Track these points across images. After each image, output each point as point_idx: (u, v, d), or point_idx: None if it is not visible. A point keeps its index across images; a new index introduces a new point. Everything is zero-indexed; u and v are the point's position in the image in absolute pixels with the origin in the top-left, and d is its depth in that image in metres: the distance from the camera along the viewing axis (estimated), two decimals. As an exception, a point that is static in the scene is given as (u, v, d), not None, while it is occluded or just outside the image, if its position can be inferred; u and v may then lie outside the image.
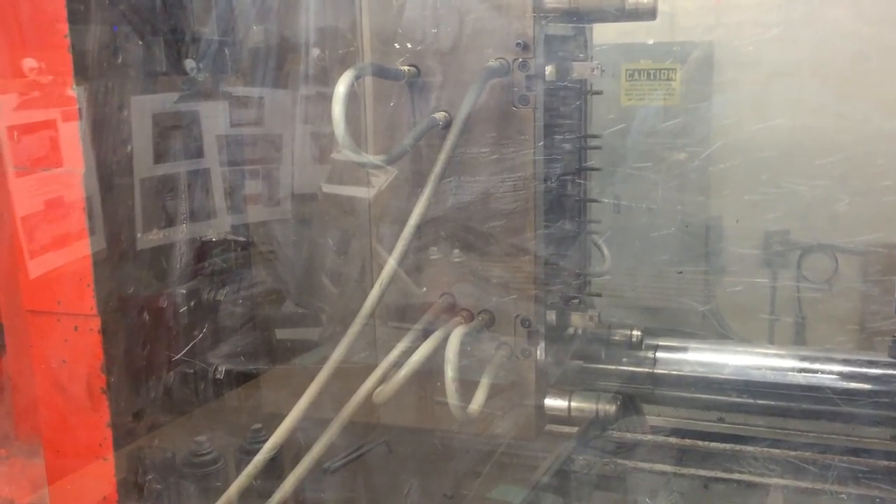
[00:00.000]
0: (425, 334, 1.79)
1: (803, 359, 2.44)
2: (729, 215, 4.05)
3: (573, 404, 1.92)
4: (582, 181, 2.14)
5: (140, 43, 1.88)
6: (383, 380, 1.72)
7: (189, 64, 2.04)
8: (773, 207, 3.79)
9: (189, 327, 1.89)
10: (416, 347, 1.75)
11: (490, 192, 1.79)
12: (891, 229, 3.18)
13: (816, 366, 2.39)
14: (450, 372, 1.67)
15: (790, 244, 4.17)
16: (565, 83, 1.96)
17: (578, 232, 2.15)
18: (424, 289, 1.85)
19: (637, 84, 4.02)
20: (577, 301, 2.15)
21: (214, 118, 2.14)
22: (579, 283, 2.15)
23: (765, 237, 4.19)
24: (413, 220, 1.63)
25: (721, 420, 2.66)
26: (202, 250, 2.00)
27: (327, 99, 1.59)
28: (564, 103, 2.01)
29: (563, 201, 2.02)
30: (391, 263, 1.67)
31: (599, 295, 2.21)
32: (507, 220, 1.80)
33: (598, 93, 2.18)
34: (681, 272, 3.63)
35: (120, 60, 1.76)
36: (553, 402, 1.93)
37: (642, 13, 1.93)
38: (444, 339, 1.74)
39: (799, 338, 4.16)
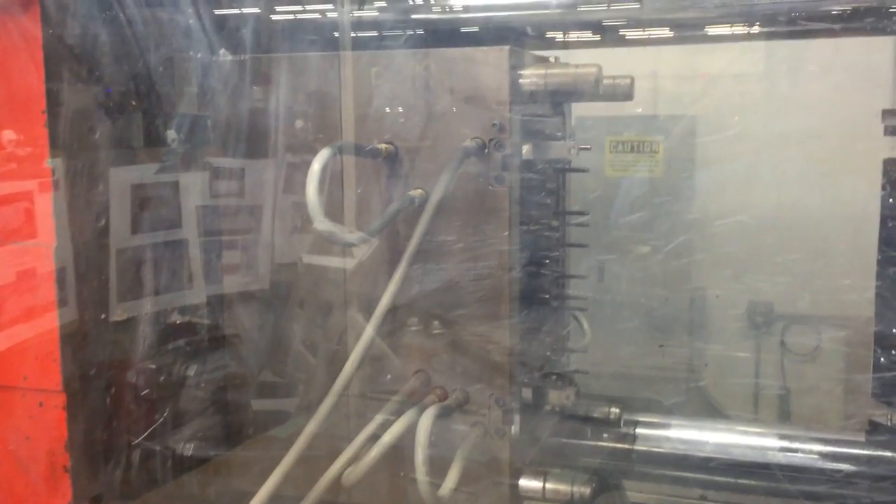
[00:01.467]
0: (399, 412, 1.77)
1: (783, 437, 2.41)
2: (711, 287, 4.06)
3: (548, 486, 1.88)
4: (561, 257, 2.14)
5: (121, 115, 1.90)
6: (354, 459, 1.69)
7: (170, 135, 2.05)
8: (755, 280, 3.80)
9: (157, 405, 1.86)
10: (388, 425, 1.73)
11: (466, 271, 1.79)
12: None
13: (796, 445, 2.37)
14: (420, 454, 1.64)
15: (773, 316, 4.18)
16: (543, 162, 1.97)
17: (557, 308, 2.14)
18: (389, 376, 1.83)
19: (621, 156, 4.07)
20: (554, 378, 2.13)
21: (194, 189, 2.14)
22: (556, 360, 2.13)
23: (748, 309, 4.20)
24: (385, 301, 1.62)
25: (704, 498, 2.61)
26: (175, 325, 1.98)
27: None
28: (542, 181, 2.03)
29: (542, 278, 2.02)
30: (363, 342, 1.66)
31: (579, 371, 2.19)
32: (482, 300, 1.79)
33: (582, 170, 2.17)
34: (661, 346, 3.62)
35: (98, 134, 1.77)
36: (528, 483, 1.89)
37: (619, 94, 1.97)
38: (417, 418, 1.71)
39: (783, 411, 4.15)
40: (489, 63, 1.75)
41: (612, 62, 1.92)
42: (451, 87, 1.77)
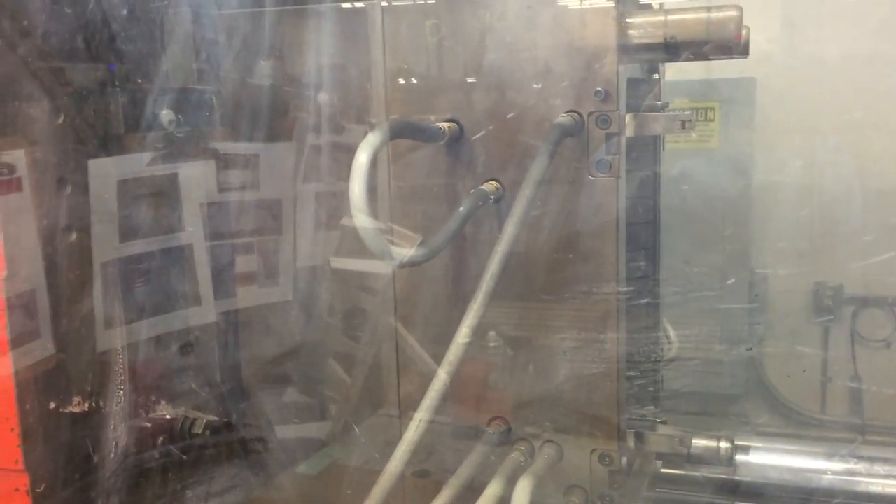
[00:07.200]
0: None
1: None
2: (774, 267, 3.69)
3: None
4: (656, 258, 1.70)
5: (99, 92, 1.47)
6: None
7: (166, 116, 1.64)
8: (821, 259, 3.43)
9: (156, 471, 1.43)
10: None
11: (554, 293, 1.35)
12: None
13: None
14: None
15: (843, 299, 3.80)
16: (646, 139, 1.53)
17: (655, 323, 1.70)
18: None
19: (671, 126, 3.63)
20: (652, 409, 1.70)
21: (198, 183, 1.73)
22: (656, 390, 1.70)
23: (814, 290, 3.82)
24: (461, 338, 1.18)
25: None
26: (176, 356, 1.56)
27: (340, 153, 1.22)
28: (640, 165, 1.58)
29: (644, 292, 1.58)
30: (435, 390, 1.22)
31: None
32: (579, 330, 1.35)
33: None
34: (749, 349, 3.21)
35: (64, 118, 1.33)
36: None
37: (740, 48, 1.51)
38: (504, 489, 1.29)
39: (855, 405, 3.77)
40: (588, 9, 1.29)
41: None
42: (537, 42, 1.32)
